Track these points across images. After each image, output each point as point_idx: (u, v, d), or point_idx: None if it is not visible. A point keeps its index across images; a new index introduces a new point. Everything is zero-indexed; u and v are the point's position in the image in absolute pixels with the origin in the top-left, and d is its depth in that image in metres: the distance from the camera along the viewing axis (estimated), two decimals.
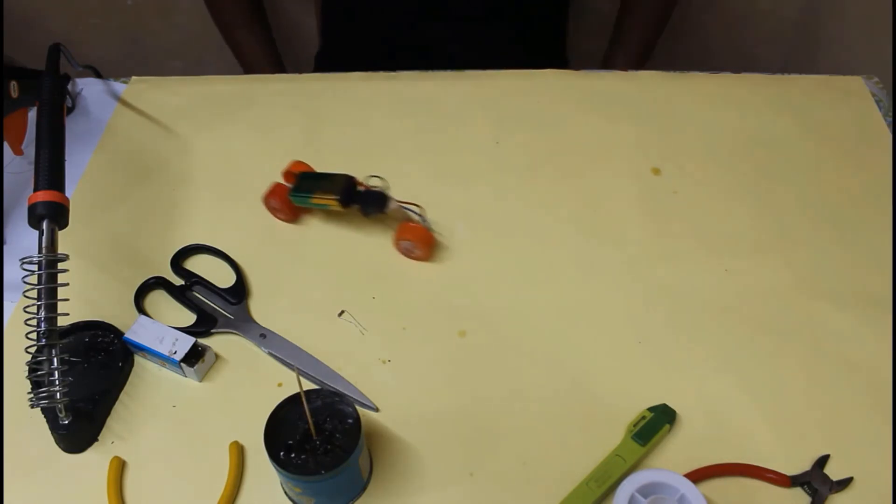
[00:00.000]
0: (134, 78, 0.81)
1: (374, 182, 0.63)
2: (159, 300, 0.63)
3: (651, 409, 0.54)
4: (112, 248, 0.66)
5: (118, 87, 0.80)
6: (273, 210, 0.68)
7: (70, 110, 0.78)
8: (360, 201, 0.63)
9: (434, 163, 0.72)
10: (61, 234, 0.55)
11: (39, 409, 0.54)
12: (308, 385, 0.56)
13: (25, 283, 0.52)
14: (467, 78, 0.80)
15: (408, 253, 0.64)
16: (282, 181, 0.68)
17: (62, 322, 0.53)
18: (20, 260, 0.52)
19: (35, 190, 0.55)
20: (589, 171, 0.71)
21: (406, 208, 0.64)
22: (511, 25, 0.97)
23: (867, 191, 0.69)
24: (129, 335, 0.57)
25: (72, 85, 0.79)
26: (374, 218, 0.65)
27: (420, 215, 0.65)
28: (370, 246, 0.66)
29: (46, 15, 1.26)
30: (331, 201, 0.63)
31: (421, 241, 0.63)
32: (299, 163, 0.68)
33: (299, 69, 1.02)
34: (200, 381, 0.58)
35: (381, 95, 0.79)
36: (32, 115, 0.62)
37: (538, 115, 0.76)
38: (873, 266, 0.63)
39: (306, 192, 0.64)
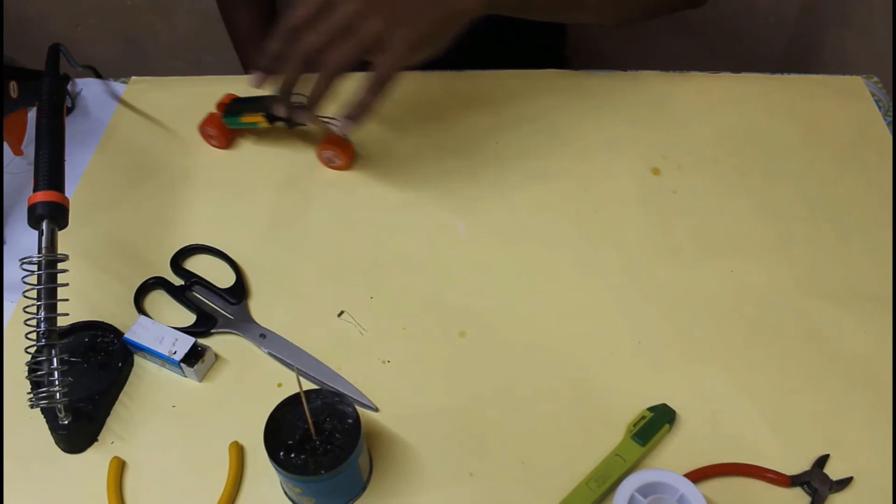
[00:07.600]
0: (134, 78, 0.81)
1: (296, 99, 0.66)
2: (159, 300, 0.63)
3: (651, 409, 0.54)
4: (112, 248, 0.66)
5: (118, 87, 0.80)
6: (209, 138, 0.73)
7: (70, 110, 0.78)
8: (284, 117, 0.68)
9: (433, 162, 0.72)
10: (61, 234, 0.55)
11: (39, 409, 0.54)
12: (308, 385, 0.56)
13: (25, 283, 0.52)
14: (467, 78, 0.80)
15: (328, 163, 0.71)
16: (215, 111, 0.73)
17: (62, 322, 0.53)
18: (20, 260, 0.52)
19: (35, 190, 0.55)
20: (589, 170, 0.71)
21: (326, 122, 0.68)
22: (510, 25, 0.97)
23: (867, 191, 0.69)
24: (128, 335, 0.57)
25: (72, 85, 0.79)
26: (297, 130, 0.73)
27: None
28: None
29: (46, 15, 1.26)
30: (258, 118, 0.69)
31: (341, 151, 0.70)
32: (231, 94, 0.74)
33: None
34: (200, 381, 0.58)
35: None
36: (32, 115, 0.62)
37: (538, 114, 0.76)
38: (873, 266, 0.63)
39: (236, 113, 0.71)
